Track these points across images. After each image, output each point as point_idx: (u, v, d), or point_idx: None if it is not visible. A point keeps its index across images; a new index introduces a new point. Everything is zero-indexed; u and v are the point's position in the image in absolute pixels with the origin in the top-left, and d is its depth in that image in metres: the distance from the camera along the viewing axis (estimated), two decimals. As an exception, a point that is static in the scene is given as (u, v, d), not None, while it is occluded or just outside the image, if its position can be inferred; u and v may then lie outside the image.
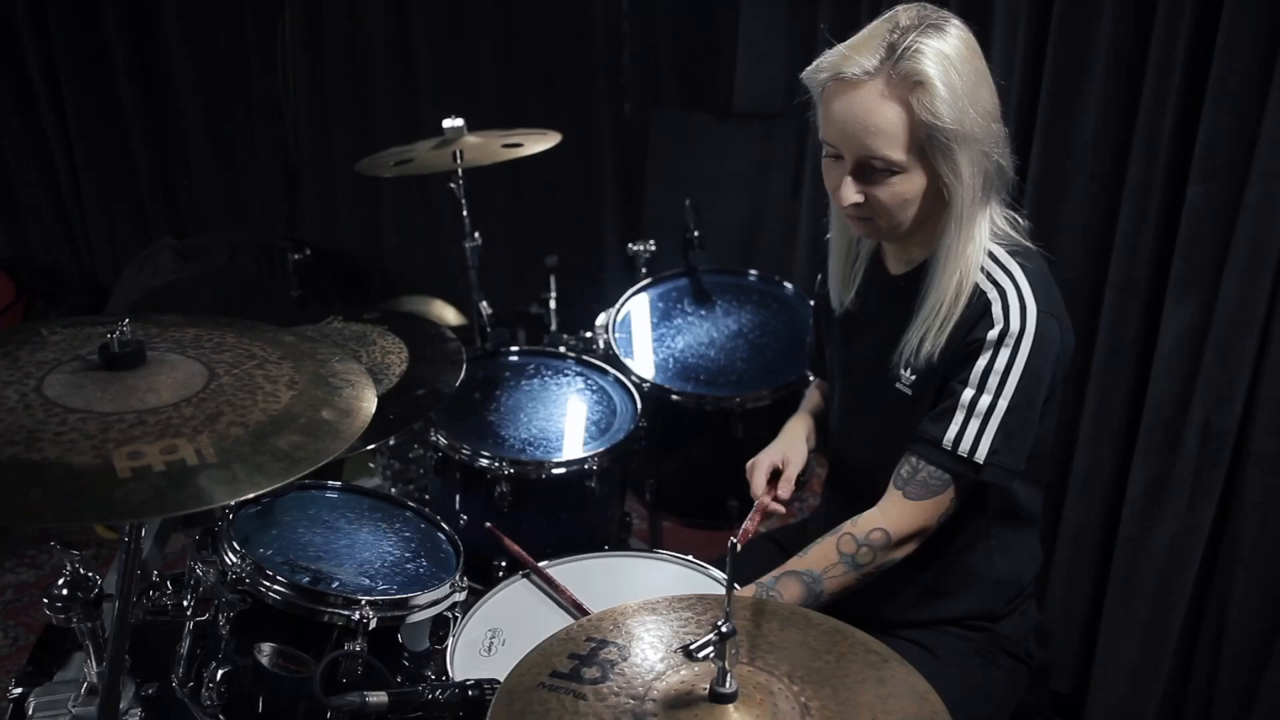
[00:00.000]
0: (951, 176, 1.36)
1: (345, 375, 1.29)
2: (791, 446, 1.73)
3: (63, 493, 1.00)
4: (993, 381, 1.38)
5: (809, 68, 1.41)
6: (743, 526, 1.55)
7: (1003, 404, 1.38)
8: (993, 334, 1.38)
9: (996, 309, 1.39)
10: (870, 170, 1.38)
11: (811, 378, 1.97)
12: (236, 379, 1.21)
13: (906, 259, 1.52)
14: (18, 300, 3.78)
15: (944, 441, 1.41)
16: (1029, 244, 1.47)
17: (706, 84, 3.55)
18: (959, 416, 1.40)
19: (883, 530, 1.44)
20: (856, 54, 1.34)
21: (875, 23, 1.38)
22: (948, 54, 1.32)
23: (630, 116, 3.61)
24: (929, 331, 1.43)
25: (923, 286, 1.45)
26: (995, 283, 1.41)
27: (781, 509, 1.65)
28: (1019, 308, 1.39)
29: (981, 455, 1.40)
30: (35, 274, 3.97)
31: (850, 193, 1.40)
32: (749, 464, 1.70)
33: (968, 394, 1.40)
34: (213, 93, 3.76)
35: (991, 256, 1.43)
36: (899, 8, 1.38)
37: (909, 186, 1.38)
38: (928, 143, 1.34)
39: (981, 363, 1.39)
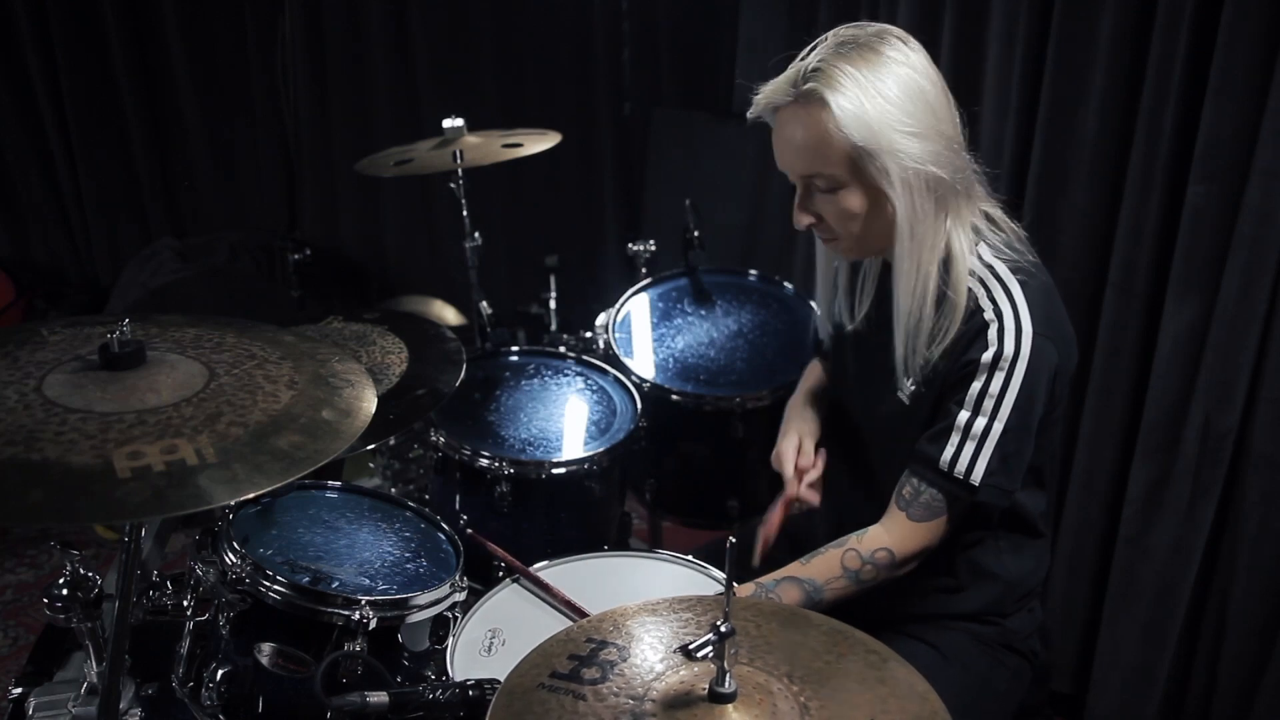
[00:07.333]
0: (886, 186, 1.38)
1: (345, 375, 1.29)
2: (805, 427, 1.72)
3: (63, 493, 1.00)
4: (988, 405, 1.40)
5: (749, 111, 1.47)
6: (768, 520, 1.60)
7: (998, 427, 1.40)
8: (987, 356, 1.39)
9: (992, 331, 1.40)
10: (815, 190, 1.45)
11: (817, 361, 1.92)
12: (236, 379, 1.21)
13: None
14: (18, 300, 3.78)
15: (941, 462, 1.42)
16: (1034, 258, 1.47)
17: (706, 84, 3.55)
18: (955, 438, 1.42)
19: (888, 550, 1.46)
20: (776, 87, 1.42)
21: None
22: (854, 71, 1.36)
23: (630, 116, 3.61)
24: (915, 342, 1.44)
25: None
26: (994, 302, 1.42)
27: (815, 498, 1.63)
28: (1014, 331, 1.39)
29: (977, 477, 1.41)
30: (35, 274, 3.97)
31: (800, 215, 1.48)
32: (774, 457, 1.69)
33: (963, 416, 1.41)
34: (213, 92, 3.76)
35: (994, 273, 1.44)
36: (830, 31, 1.43)
37: (851, 201, 1.42)
38: (855, 155, 1.37)
39: (976, 386, 1.40)
